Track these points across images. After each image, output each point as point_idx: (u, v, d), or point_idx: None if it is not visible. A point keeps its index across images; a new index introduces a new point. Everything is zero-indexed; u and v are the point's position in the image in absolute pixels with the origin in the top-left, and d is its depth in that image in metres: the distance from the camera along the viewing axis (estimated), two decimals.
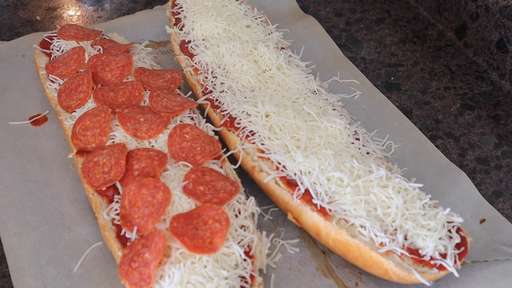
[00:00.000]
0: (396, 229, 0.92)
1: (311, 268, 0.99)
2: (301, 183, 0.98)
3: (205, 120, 1.12)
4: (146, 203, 0.93)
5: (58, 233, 1.02)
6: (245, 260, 0.90)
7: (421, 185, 0.98)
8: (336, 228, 0.93)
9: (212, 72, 1.19)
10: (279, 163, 1.01)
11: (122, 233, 0.92)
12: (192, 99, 1.15)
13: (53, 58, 1.26)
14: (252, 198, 0.98)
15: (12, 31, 1.52)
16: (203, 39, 1.27)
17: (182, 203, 0.94)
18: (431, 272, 0.89)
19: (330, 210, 0.95)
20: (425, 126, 1.27)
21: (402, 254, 0.90)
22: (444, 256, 0.90)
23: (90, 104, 1.12)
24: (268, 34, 1.31)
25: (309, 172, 0.99)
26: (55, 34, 1.30)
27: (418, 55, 1.46)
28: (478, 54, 1.43)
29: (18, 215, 1.04)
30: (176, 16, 1.34)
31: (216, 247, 0.87)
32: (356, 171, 0.99)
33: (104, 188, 0.98)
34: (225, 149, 1.07)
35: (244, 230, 0.93)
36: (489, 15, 1.37)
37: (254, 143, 1.05)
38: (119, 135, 1.04)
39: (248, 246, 0.92)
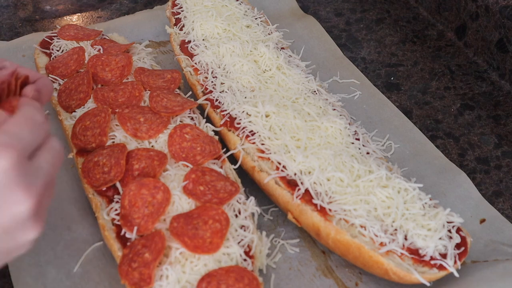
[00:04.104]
0: (396, 229, 0.92)
1: (311, 268, 0.99)
2: (301, 183, 0.98)
3: (205, 120, 1.12)
4: (146, 203, 0.93)
5: (58, 233, 1.02)
6: (245, 260, 0.90)
7: (421, 185, 0.98)
8: (336, 228, 0.93)
9: (212, 72, 1.19)
10: (279, 163, 1.01)
11: (122, 233, 0.93)
12: (192, 99, 1.15)
13: (53, 58, 1.26)
14: (252, 198, 0.98)
15: (12, 31, 1.52)
16: (203, 39, 1.27)
17: (182, 203, 0.94)
18: (431, 272, 0.89)
19: (330, 210, 0.95)
20: (425, 126, 1.27)
21: (402, 254, 0.90)
22: (444, 256, 0.90)
23: (90, 104, 1.12)
24: (268, 34, 1.31)
25: (309, 172, 0.99)
26: (55, 34, 1.30)
27: (418, 55, 1.46)
28: (478, 54, 1.43)
29: None
30: (176, 16, 1.34)
31: (216, 247, 0.87)
32: (356, 171, 0.99)
33: (104, 188, 0.98)
34: (225, 149, 1.07)
35: (244, 230, 0.93)
36: (489, 15, 1.37)
37: (254, 143, 1.05)
38: (119, 135, 1.04)
39: (248, 246, 0.92)
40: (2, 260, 0.69)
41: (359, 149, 1.05)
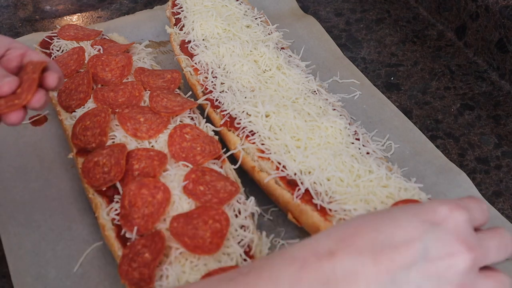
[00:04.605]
0: None
1: None
2: (301, 183, 0.98)
3: (205, 120, 1.12)
4: (146, 203, 0.93)
5: (58, 233, 1.02)
6: (245, 260, 0.90)
7: (421, 185, 0.98)
8: None
9: (212, 72, 1.19)
10: (279, 163, 1.01)
11: (122, 233, 0.93)
12: (192, 99, 1.15)
13: (53, 58, 1.26)
14: (252, 198, 0.98)
15: (12, 31, 1.52)
16: (203, 39, 1.27)
17: (182, 203, 0.94)
18: None
19: (330, 210, 0.95)
20: (425, 126, 1.27)
21: None
22: None
23: (90, 104, 1.12)
24: (268, 34, 1.31)
25: (309, 172, 0.99)
26: (55, 34, 1.30)
27: (418, 55, 1.46)
28: (478, 54, 1.43)
29: (18, 215, 1.04)
30: (176, 16, 1.34)
31: (216, 247, 0.87)
32: (356, 171, 0.99)
33: (104, 188, 0.98)
34: (225, 149, 1.07)
35: (244, 230, 0.93)
36: (489, 15, 1.37)
37: (254, 143, 1.05)
38: (119, 135, 1.04)
39: (248, 246, 0.92)
40: None
41: (359, 149, 1.05)
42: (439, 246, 0.61)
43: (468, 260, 0.61)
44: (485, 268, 0.65)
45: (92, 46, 1.25)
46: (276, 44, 1.28)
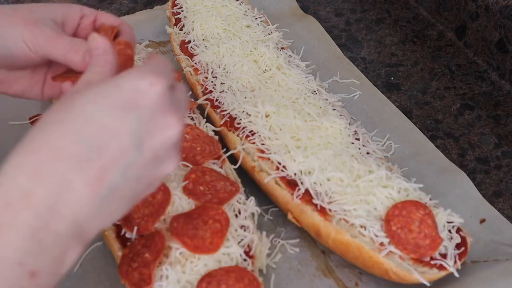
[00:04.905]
0: None
1: (311, 268, 0.99)
2: (301, 183, 0.98)
3: (205, 120, 1.12)
4: (146, 203, 0.93)
5: None
6: (245, 260, 0.90)
7: (421, 185, 0.98)
8: (336, 228, 0.93)
9: (212, 72, 1.19)
10: (279, 163, 1.01)
11: (122, 233, 0.93)
12: (192, 99, 1.15)
13: None
14: (252, 198, 0.98)
15: None
16: (203, 39, 1.27)
17: (182, 203, 0.94)
18: (431, 272, 0.89)
19: (330, 210, 0.95)
20: (425, 126, 1.27)
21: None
22: (444, 256, 0.90)
23: None
24: (268, 34, 1.31)
25: (309, 172, 0.99)
26: None
27: (418, 55, 1.46)
28: (478, 54, 1.43)
29: None
30: (176, 16, 1.34)
31: (216, 247, 0.87)
32: (356, 171, 0.99)
33: None
34: (225, 149, 1.07)
35: (244, 230, 0.93)
36: (489, 15, 1.37)
37: (254, 143, 1.05)
38: None
39: (248, 246, 0.92)
40: (135, 199, 0.63)
41: (359, 149, 1.05)
42: (148, 129, 0.60)
43: (179, 127, 0.63)
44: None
45: None
46: (276, 44, 1.28)
